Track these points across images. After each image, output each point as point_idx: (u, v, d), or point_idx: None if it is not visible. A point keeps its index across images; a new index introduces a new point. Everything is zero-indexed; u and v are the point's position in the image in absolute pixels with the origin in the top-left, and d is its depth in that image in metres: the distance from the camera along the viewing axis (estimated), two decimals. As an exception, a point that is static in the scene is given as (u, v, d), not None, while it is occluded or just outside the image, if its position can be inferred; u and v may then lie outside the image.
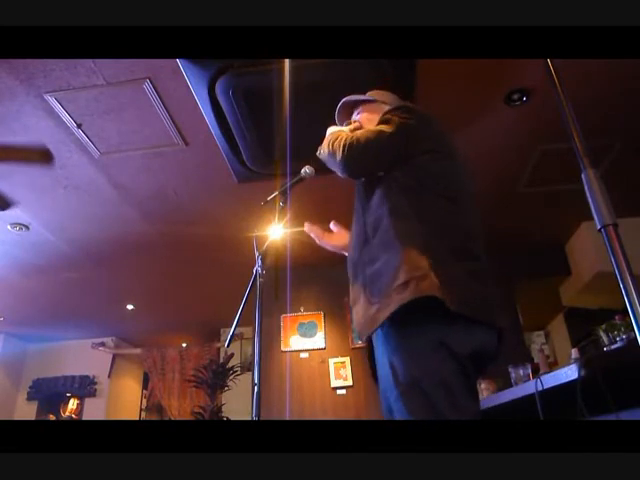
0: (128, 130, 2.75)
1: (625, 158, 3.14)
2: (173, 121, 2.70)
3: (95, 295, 5.20)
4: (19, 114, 2.58)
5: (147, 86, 2.43)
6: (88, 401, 6.38)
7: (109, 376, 6.51)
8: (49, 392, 6.41)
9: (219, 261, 4.41)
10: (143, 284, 5.00)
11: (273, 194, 1.71)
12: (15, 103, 2.50)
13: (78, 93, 2.46)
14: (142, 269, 4.62)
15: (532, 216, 3.94)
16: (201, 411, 5.27)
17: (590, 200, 0.91)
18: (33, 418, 6.31)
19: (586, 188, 0.92)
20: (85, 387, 6.39)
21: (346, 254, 1.46)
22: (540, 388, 1.75)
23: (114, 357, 6.64)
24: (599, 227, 0.88)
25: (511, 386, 2.37)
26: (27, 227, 3.70)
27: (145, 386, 7.36)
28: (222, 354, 6.23)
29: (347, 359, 4.23)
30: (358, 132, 1.37)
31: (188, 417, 6.16)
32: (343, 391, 4.12)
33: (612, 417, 1.57)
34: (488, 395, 2.65)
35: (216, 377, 5.40)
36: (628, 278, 0.82)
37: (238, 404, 5.45)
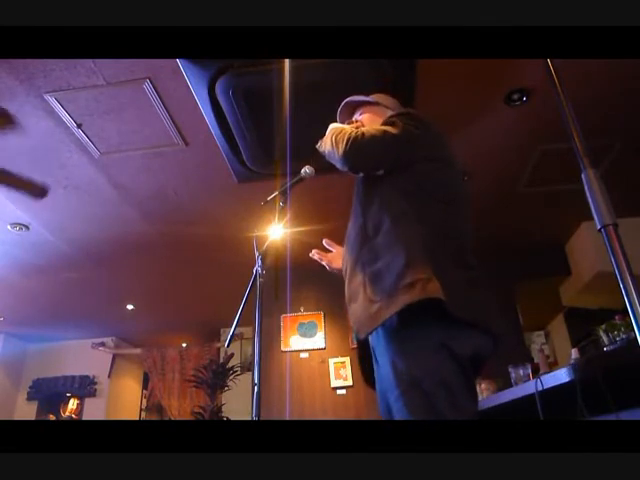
0: (128, 130, 2.75)
1: (625, 158, 3.14)
2: (173, 121, 2.70)
3: (95, 295, 5.20)
4: (19, 114, 2.58)
5: (147, 86, 2.43)
6: (88, 401, 6.38)
7: (109, 376, 6.51)
8: (49, 392, 6.41)
9: (219, 261, 4.41)
10: (143, 284, 5.00)
11: (273, 194, 1.71)
12: (15, 103, 2.50)
13: (78, 93, 2.46)
14: (142, 269, 4.62)
15: (532, 216, 3.94)
16: (201, 411, 5.27)
17: (590, 200, 0.91)
18: (33, 418, 6.31)
19: (586, 188, 0.92)
20: (85, 387, 6.39)
21: None
22: (540, 388, 1.75)
23: (114, 357, 6.64)
24: (599, 227, 0.88)
25: (511, 386, 2.38)
26: (27, 227, 3.70)
27: (145, 386, 7.37)
28: (222, 354, 6.23)
29: (347, 359, 4.23)
30: (363, 128, 1.38)
31: (188, 417, 6.17)
32: (343, 391, 4.12)
33: (612, 417, 1.57)
34: (488, 395, 2.65)
35: (216, 377, 5.40)
36: (628, 278, 0.82)
37: (238, 404, 5.45)
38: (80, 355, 6.54)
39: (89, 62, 2.28)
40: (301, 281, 4.40)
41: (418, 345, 1.13)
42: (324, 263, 1.59)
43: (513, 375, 2.47)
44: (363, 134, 1.31)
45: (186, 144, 2.88)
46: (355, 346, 4.23)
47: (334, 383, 4.16)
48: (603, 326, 2.13)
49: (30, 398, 6.41)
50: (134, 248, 4.14)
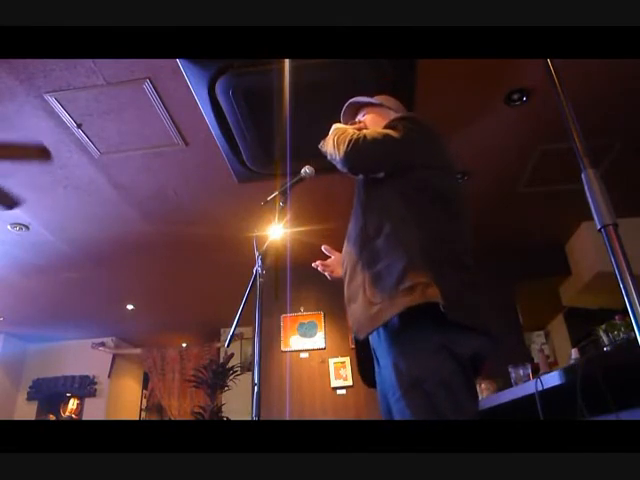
0: (128, 130, 2.75)
1: (625, 158, 3.14)
2: (173, 121, 2.70)
3: (95, 295, 5.20)
4: (19, 114, 2.58)
5: (147, 86, 2.43)
6: (88, 401, 6.38)
7: (109, 376, 6.51)
8: (49, 392, 6.41)
9: (219, 261, 4.42)
10: (143, 284, 5.00)
11: (273, 194, 1.71)
12: (15, 103, 2.50)
13: (78, 93, 2.46)
14: (142, 269, 4.62)
15: (532, 216, 3.94)
16: (201, 411, 5.28)
17: (590, 200, 0.91)
18: (33, 418, 6.31)
19: (586, 188, 0.92)
20: (85, 387, 6.39)
21: None
22: (540, 388, 1.75)
23: (114, 357, 6.64)
24: (599, 227, 0.88)
25: (511, 386, 2.37)
26: (27, 227, 3.70)
27: (145, 386, 7.37)
28: (222, 354, 6.23)
29: (347, 359, 4.23)
30: (365, 130, 1.39)
31: (188, 417, 6.17)
32: (343, 391, 4.12)
33: (612, 417, 1.57)
34: (488, 395, 2.65)
35: (216, 377, 5.40)
36: (628, 278, 0.82)
37: (238, 404, 5.45)
38: (80, 355, 6.54)
39: (89, 62, 2.28)
40: (301, 281, 4.40)
41: (418, 347, 1.15)
42: (326, 274, 1.61)
43: (513, 375, 2.47)
44: (364, 137, 1.32)
45: (186, 144, 2.88)
46: (354, 346, 4.23)
47: (334, 383, 4.16)
48: (603, 326, 2.13)
49: (30, 398, 6.41)
50: (134, 248, 4.14)
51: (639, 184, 3.42)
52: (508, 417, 2.41)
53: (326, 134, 1.48)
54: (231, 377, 5.46)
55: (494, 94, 2.64)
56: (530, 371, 2.41)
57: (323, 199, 3.49)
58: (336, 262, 1.60)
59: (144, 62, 2.29)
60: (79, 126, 2.68)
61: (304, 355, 4.33)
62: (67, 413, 6.38)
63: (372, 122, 1.53)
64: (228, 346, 5.68)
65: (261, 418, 1.52)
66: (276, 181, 2.75)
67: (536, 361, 2.94)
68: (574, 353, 2.37)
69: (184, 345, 6.83)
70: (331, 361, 4.25)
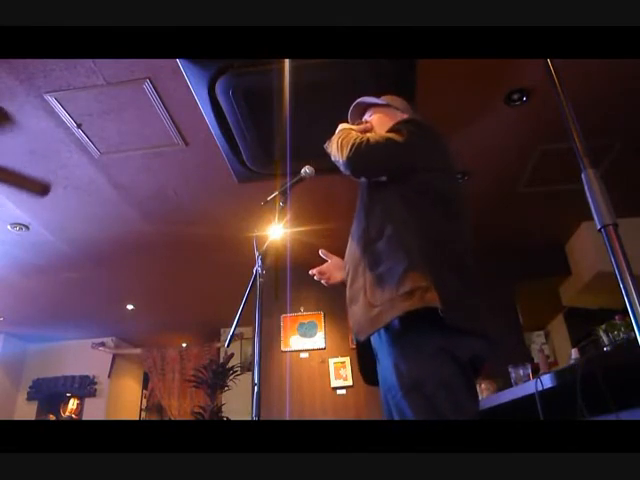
0: (128, 130, 2.75)
1: (625, 158, 3.14)
2: (173, 121, 2.70)
3: (95, 295, 5.20)
4: (19, 114, 2.58)
5: (147, 86, 2.43)
6: (88, 401, 6.38)
7: (109, 376, 6.50)
8: (49, 392, 6.40)
9: (219, 261, 4.41)
10: (143, 284, 5.00)
11: (273, 194, 1.71)
12: (15, 103, 2.50)
13: (78, 93, 2.46)
14: (142, 269, 4.62)
15: (532, 216, 3.94)
16: (201, 411, 5.28)
17: (590, 200, 0.91)
18: (33, 418, 6.31)
19: (586, 188, 0.92)
20: (85, 387, 6.39)
21: None
22: (540, 388, 1.75)
23: (114, 357, 6.64)
24: (599, 227, 0.88)
25: (511, 386, 2.37)
26: (27, 227, 3.70)
27: (145, 386, 7.36)
28: (222, 354, 6.23)
29: (347, 359, 4.23)
30: (369, 134, 1.41)
31: (188, 417, 6.16)
32: (343, 391, 4.12)
33: (612, 417, 1.57)
34: (488, 395, 2.65)
35: (216, 377, 5.40)
36: (628, 278, 0.82)
37: (238, 404, 5.45)
38: (80, 355, 6.54)
39: (89, 62, 2.28)
40: (301, 281, 4.40)
41: (418, 349, 1.16)
42: (323, 282, 1.60)
43: (513, 375, 2.47)
44: (367, 140, 1.34)
45: (186, 144, 2.88)
46: (355, 346, 4.24)
47: (334, 383, 4.16)
48: (603, 326, 2.13)
49: (30, 398, 6.41)
50: (134, 248, 4.14)
51: (639, 184, 3.42)
52: (508, 417, 2.41)
53: (327, 134, 1.48)
54: (231, 377, 5.46)
55: (494, 94, 2.64)
56: (530, 371, 2.41)
57: (323, 199, 3.49)
58: (333, 267, 1.60)
59: (144, 62, 2.29)
60: (79, 126, 2.68)
61: (304, 355, 4.33)
62: (67, 413, 6.38)
63: (379, 122, 1.54)
64: (228, 346, 5.68)
65: (261, 418, 1.52)
66: (276, 181, 2.74)
67: (536, 361, 2.94)
68: (574, 353, 2.37)
69: (184, 345, 6.83)
70: (331, 361, 4.25)
